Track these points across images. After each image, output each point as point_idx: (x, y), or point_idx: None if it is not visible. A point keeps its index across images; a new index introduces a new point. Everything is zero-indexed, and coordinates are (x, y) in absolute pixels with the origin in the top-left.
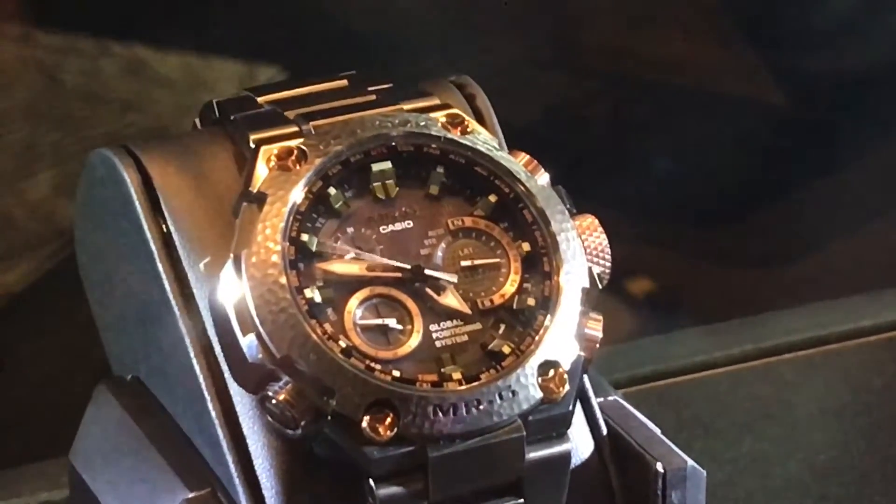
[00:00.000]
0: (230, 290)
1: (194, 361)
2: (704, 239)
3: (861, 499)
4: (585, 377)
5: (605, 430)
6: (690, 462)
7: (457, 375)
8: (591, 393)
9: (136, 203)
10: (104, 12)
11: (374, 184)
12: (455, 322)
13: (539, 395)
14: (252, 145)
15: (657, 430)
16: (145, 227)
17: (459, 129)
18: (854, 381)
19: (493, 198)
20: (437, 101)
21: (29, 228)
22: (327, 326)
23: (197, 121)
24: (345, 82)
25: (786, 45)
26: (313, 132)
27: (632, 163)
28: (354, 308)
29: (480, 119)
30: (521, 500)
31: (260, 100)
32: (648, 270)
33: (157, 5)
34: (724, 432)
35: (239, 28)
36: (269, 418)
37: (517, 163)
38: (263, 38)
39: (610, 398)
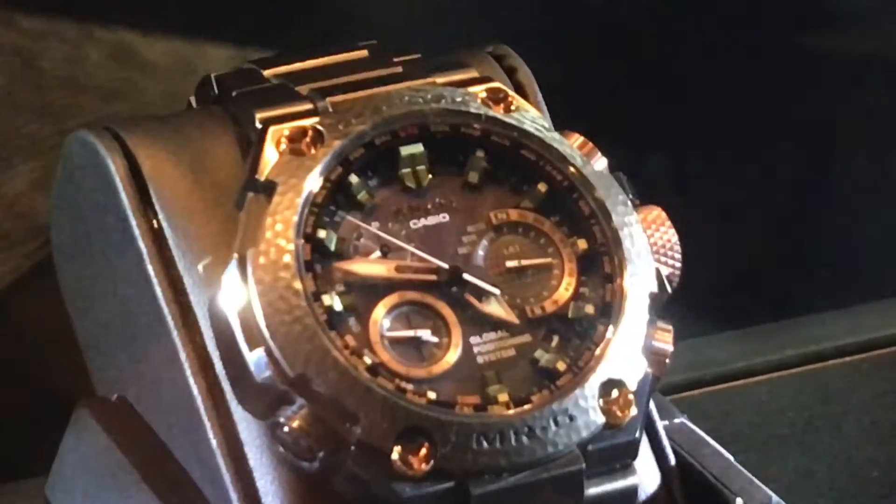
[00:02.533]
0: (234, 296)
1: (191, 381)
2: None
3: None
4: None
5: (673, 460)
6: (775, 497)
7: (503, 397)
8: (655, 416)
9: (122, 194)
10: None
11: (404, 170)
12: (500, 333)
13: (601, 419)
14: (258, 125)
15: (731, 458)
16: (133, 222)
17: (503, 105)
18: None
19: (542, 187)
20: (475, 74)
21: (6, 225)
22: (349, 339)
23: (192, 99)
24: (365, 52)
25: None
26: (331, 110)
27: None
28: (381, 317)
29: (523, 95)
30: None
31: (266, 73)
32: None
33: None
34: (766, 446)
35: (230, 10)
36: (281, 448)
37: (570, 145)
38: (257, 21)
39: (676, 421)
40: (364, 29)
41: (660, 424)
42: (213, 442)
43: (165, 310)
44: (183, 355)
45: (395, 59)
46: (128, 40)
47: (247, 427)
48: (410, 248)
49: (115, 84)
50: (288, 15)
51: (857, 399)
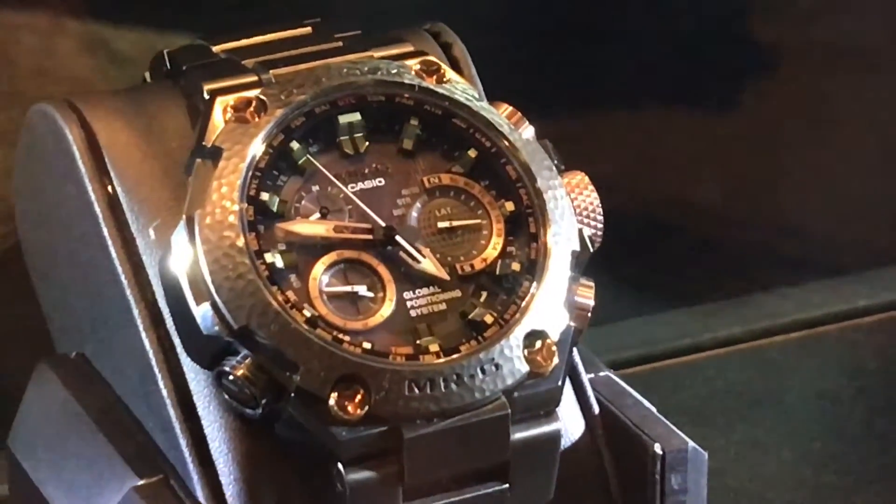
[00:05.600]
0: (182, 255)
1: (143, 335)
2: None
3: (860, 488)
4: (575, 351)
5: (596, 409)
6: (691, 443)
7: (434, 347)
8: (581, 368)
9: (80, 162)
10: None
11: (342, 137)
12: (432, 289)
13: (525, 368)
14: (206, 96)
15: (653, 409)
16: (89, 188)
17: (435, 77)
18: (849, 364)
19: (472, 153)
20: (410, 48)
21: None
22: (290, 294)
23: (147, 74)
24: (309, 29)
25: None
26: (274, 81)
27: None
28: (320, 274)
29: (458, 70)
30: (506, 486)
31: (215, 49)
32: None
33: None
34: (712, 420)
35: (197, 0)
36: (227, 396)
37: (499, 114)
38: (223, 11)
39: (601, 374)
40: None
41: (585, 376)
42: (164, 392)
43: (119, 269)
44: (136, 312)
45: (337, 36)
46: (98, 31)
47: (195, 377)
48: (350, 194)
49: (85, 74)
50: (253, 4)
51: (800, 373)
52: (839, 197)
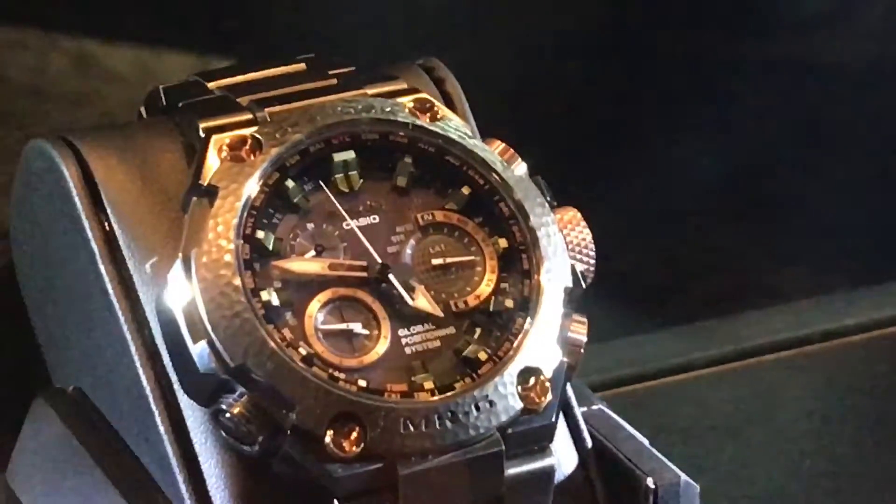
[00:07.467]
0: (179, 293)
1: (140, 371)
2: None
3: None
4: (568, 385)
5: (590, 443)
6: (684, 476)
7: (429, 385)
8: (574, 402)
9: (76, 199)
10: (52, 5)
11: (337, 175)
12: (426, 326)
13: (519, 405)
14: (202, 134)
15: (646, 442)
16: (86, 224)
17: (429, 115)
18: (840, 383)
19: (466, 190)
20: (404, 85)
21: None
22: (286, 332)
23: (142, 109)
24: (303, 66)
25: None
26: (269, 119)
27: None
28: (316, 311)
29: (450, 104)
30: None
31: (210, 85)
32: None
33: None
34: (703, 438)
35: (189, 20)
36: (223, 433)
37: (492, 151)
38: (217, 29)
39: (594, 407)
40: (313, 38)
41: (578, 410)
42: (161, 428)
43: (116, 306)
44: (133, 348)
45: (331, 72)
46: (90, 49)
47: (192, 414)
48: (355, 227)
49: (78, 92)
50: (243, 24)
51: (790, 392)
52: (828, 217)
